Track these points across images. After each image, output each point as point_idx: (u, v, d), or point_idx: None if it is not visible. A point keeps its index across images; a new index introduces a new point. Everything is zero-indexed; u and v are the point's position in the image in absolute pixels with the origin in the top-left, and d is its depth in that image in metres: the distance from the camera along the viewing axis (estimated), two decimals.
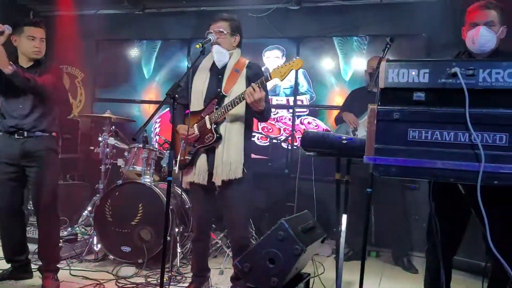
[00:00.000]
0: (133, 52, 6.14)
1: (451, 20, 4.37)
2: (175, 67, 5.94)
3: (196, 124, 2.91)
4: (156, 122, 5.93)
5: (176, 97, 2.43)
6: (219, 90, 2.88)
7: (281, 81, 2.73)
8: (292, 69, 2.68)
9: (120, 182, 3.81)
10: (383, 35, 4.94)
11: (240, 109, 2.83)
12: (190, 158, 2.93)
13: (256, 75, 2.85)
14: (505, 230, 2.02)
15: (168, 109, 5.72)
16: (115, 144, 4.18)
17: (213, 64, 2.97)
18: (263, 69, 3.09)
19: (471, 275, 3.64)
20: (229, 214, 2.97)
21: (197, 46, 2.65)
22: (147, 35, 6.05)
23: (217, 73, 2.96)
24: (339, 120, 4.42)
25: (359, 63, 5.15)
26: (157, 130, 5.92)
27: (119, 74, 6.17)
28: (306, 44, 5.44)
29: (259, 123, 5.41)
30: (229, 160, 2.81)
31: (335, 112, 4.75)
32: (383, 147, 1.51)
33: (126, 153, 4.06)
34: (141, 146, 3.95)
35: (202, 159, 2.90)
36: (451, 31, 4.26)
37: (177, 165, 2.94)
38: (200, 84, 2.95)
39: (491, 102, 1.43)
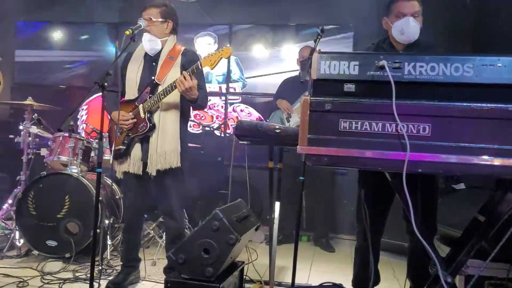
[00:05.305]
0: (56, 35, 5.78)
1: (375, 11, 4.55)
2: (102, 52, 5.68)
3: (130, 113, 2.84)
4: (83, 109, 5.66)
5: (105, 86, 2.33)
6: (152, 78, 2.81)
7: (212, 69, 2.74)
8: (222, 58, 2.68)
9: (44, 173, 3.59)
10: (312, 25, 5.08)
11: (174, 97, 2.78)
12: (124, 147, 2.85)
13: (191, 62, 2.81)
14: (424, 214, 2.16)
15: (96, 96, 5.48)
16: (38, 133, 3.93)
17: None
18: (204, 55, 3.04)
19: (394, 255, 3.87)
20: (165, 205, 2.93)
21: (127, 32, 2.55)
22: (71, 18, 5.72)
23: (151, 60, 2.89)
24: (273, 108, 4.50)
25: (289, 52, 5.23)
26: (84, 118, 5.65)
27: (41, 58, 5.80)
28: (238, 32, 5.43)
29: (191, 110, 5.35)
30: (164, 149, 2.77)
31: (267, 100, 4.82)
32: (315, 137, 1.55)
33: (50, 143, 3.84)
34: (67, 135, 3.74)
35: (137, 149, 2.85)
36: (375, 21, 4.44)
37: (112, 155, 2.86)
38: (133, 72, 2.87)
39: (415, 94, 1.51)
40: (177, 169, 2.80)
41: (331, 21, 5.07)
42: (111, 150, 2.88)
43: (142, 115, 2.80)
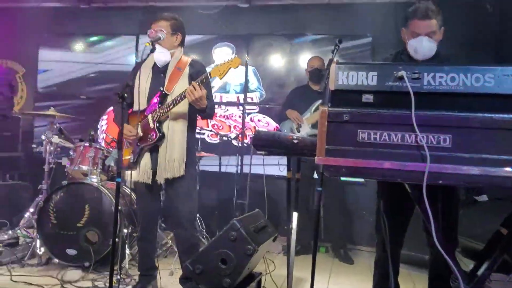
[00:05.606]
0: (78, 46, 5.92)
1: (393, 21, 4.54)
2: (122, 63, 5.79)
3: (139, 123, 2.87)
4: (103, 119, 5.74)
5: (125, 97, 2.37)
6: (161, 88, 2.85)
7: (221, 79, 2.77)
8: (230, 67, 2.70)
9: (65, 182, 3.65)
10: (329, 35, 5.09)
11: (182, 107, 2.82)
12: (134, 157, 2.90)
13: (198, 73, 2.85)
14: (445, 226, 2.12)
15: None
16: (60, 142, 4.01)
17: (155, 62, 2.94)
18: (212, 66, 3.09)
19: (415, 267, 3.79)
20: (174, 213, 2.94)
21: (147, 44, 2.61)
22: (93, 30, 5.85)
23: (159, 71, 2.93)
24: (282, 118, 4.50)
25: (307, 61, 5.23)
26: (104, 128, 5.73)
27: (63, 69, 5.93)
28: (256, 42, 5.46)
29: (209, 120, 5.39)
30: (172, 158, 2.80)
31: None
32: (333, 148, 1.54)
33: (71, 152, 3.90)
34: (87, 144, 3.81)
35: (146, 158, 2.88)
36: (393, 32, 4.42)
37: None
38: (143, 83, 2.90)
39: (435, 105, 1.49)
40: (185, 178, 2.82)
41: (348, 31, 5.07)
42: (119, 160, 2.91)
43: (151, 125, 2.84)
